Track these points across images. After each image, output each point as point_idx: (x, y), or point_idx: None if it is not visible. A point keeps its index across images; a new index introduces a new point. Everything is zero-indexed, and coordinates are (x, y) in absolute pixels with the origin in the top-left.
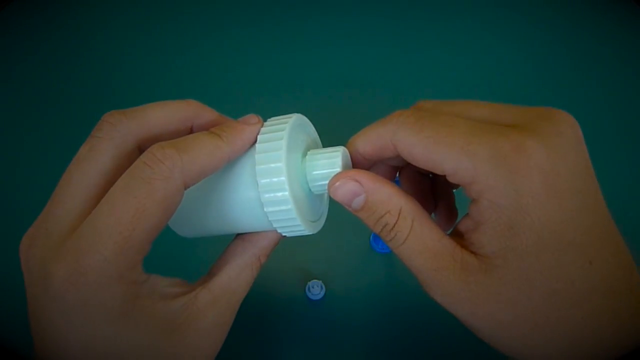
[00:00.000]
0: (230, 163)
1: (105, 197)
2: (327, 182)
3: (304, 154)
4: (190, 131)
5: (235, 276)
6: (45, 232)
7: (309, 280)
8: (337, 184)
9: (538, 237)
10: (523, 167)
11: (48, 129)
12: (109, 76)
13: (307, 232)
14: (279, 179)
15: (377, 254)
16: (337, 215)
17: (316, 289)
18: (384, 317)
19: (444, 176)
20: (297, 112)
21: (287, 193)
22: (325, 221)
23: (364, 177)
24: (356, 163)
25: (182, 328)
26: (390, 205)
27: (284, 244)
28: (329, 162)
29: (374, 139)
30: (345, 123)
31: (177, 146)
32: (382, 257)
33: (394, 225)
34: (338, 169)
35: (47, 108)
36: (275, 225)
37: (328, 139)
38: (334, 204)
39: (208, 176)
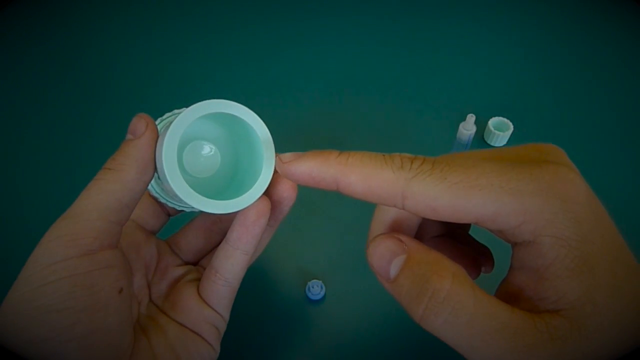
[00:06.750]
0: None
1: None
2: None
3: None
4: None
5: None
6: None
7: (309, 280)
8: (374, 243)
9: (610, 265)
10: (572, 195)
11: (48, 127)
12: (109, 75)
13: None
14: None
15: None
16: (337, 215)
17: (316, 289)
18: (383, 317)
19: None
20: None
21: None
22: (325, 221)
23: (403, 235)
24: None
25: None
26: (439, 266)
27: (284, 244)
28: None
29: (376, 183)
30: (342, 124)
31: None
32: None
33: (447, 293)
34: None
35: (47, 107)
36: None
37: (328, 141)
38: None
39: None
